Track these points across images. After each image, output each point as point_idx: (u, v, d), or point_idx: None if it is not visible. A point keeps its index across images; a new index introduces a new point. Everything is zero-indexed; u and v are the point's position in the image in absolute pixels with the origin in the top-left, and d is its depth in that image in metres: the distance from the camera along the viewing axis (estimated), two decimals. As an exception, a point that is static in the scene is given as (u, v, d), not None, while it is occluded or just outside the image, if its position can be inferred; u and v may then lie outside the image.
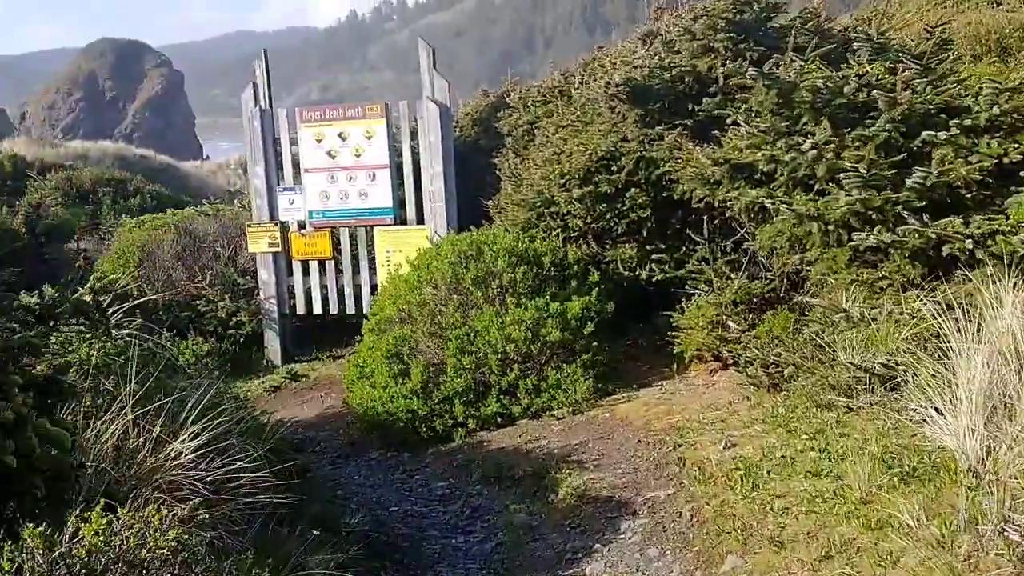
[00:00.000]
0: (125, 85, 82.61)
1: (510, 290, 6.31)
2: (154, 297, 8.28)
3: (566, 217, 6.97)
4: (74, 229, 10.73)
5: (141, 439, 2.91)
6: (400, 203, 8.71)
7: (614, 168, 6.67)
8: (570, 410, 5.87)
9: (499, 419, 6.01)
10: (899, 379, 4.24)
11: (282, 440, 4.86)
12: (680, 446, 4.66)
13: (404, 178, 8.63)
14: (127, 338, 3.88)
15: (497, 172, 8.25)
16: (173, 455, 2.90)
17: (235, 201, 10.94)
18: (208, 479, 2.92)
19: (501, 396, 6.05)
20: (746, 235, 6.26)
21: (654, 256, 6.81)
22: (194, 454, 3.02)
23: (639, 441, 4.98)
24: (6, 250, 9.51)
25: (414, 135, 8.61)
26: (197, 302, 9.16)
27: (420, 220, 8.58)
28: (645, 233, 6.83)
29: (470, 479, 5.23)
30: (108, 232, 11.09)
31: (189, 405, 3.28)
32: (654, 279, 6.73)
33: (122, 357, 3.20)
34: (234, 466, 3.04)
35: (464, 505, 4.90)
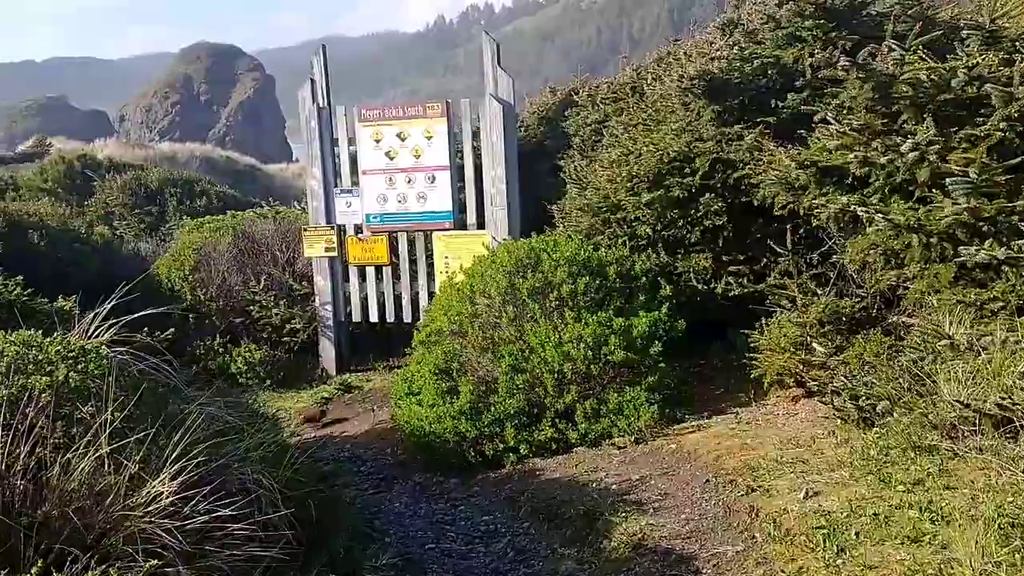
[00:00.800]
0: (219, 89, 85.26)
1: (570, 303, 5.84)
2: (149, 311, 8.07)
3: (634, 223, 6.47)
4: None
5: (114, 477, 2.56)
6: (460, 207, 8.33)
7: (687, 170, 6.15)
8: (632, 439, 5.37)
9: (554, 445, 5.55)
10: (1017, 423, 3.63)
11: (307, 466, 4.49)
12: (754, 490, 4.11)
13: (465, 181, 8.24)
14: (122, 356, 3.54)
15: (563, 175, 7.79)
16: (149, 498, 2.54)
17: (294, 204, 10.73)
18: (188, 527, 2.54)
19: (556, 420, 5.59)
20: (834, 247, 5.66)
21: (731, 268, 6.26)
22: (179, 494, 2.64)
23: (707, 481, 4.45)
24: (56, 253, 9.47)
25: (476, 135, 8.22)
26: (251, 308, 8.94)
27: (481, 225, 8.18)
28: (721, 242, 6.29)
29: (518, 514, 4.78)
30: (169, 233, 11.03)
31: (178, 435, 2.89)
32: (730, 293, 6.17)
33: (109, 378, 2.87)
34: (219, 512, 2.65)
35: (509, 545, 4.45)
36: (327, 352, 8.87)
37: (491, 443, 5.61)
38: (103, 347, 3.26)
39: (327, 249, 8.67)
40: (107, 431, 2.65)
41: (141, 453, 2.69)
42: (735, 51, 6.17)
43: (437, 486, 5.61)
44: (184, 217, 11.72)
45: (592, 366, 5.55)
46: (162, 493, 2.57)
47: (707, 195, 6.10)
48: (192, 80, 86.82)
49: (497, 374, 5.72)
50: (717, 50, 6.30)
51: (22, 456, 2.42)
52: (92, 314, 3.97)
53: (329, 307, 8.78)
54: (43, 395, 2.66)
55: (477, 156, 8.30)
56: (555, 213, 7.60)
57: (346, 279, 8.78)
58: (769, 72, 6.15)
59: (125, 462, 2.61)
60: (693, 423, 5.47)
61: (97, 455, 2.57)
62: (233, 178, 28.43)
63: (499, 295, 5.98)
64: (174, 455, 2.75)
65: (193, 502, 2.65)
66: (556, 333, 5.69)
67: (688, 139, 6.21)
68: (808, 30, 6.02)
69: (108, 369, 3.01)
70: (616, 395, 5.57)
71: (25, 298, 6.01)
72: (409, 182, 8.33)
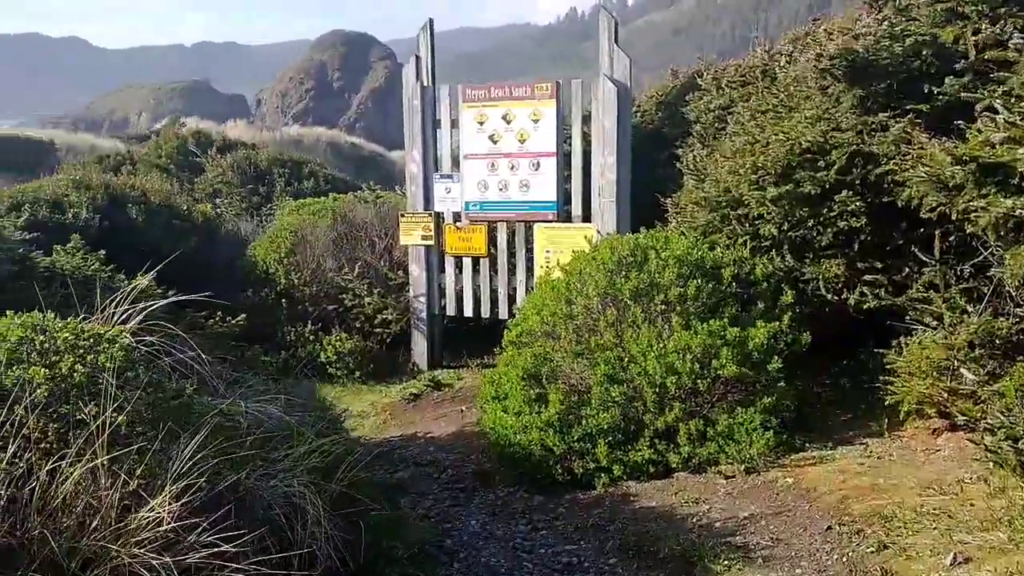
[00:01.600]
0: (352, 76, 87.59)
1: (677, 308, 5.27)
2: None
3: (757, 222, 5.83)
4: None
5: (108, 493, 2.20)
6: (565, 197, 7.83)
7: (821, 163, 5.46)
8: (742, 467, 4.77)
9: (651, 468, 5.00)
10: None
11: (368, 478, 4.10)
12: (887, 547, 3.48)
13: (572, 169, 7.74)
14: (154, 345, 3.19)
15: (680, 165, 7.19)
16: (145, 522, 2.17)
17: (396, 188, 10.46)
18: (187, 561, 2.15)
19: (656, 440, 5.04)
20: (991, 258, 4.88)
21: (867, 277, 5.54)
22: (183, 520, 2.26)
23: (829, 528, 3.83)
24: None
25: (587, 120, 7.69)
26: (344, 295, 8.69)
27: (587, 218, 7.67)
28: (857, 247, 5.57)
29: (604, 547, 4.26)
30: (271, 214, 10.95)
31: (190, 445, 2.48)
32: (864, 306, 5.46)
33: (123, 372, 2.52)
34: (223, 548, 2.25)
35: (590, 584, 3.95)
36: (419, 346, 8.54)
37: (580, 460, 5.11)
38: (125, 335, 2.93)
39: (423, 237, 8.32)
40: (105, 435, 2.29)
41: (144, 465, 2.32)
42: (883, 28, 5.44)
43: (520, 503, 5.15)
44: (288, 198, 11.65)
45: (699, 381, 4.97)
46: (161, 518, 2.19)
47: (843, 192, 5.40)
48: (326, 67, 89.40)
49: (591, 383, 5.21)
50: (863, 27, 5.58)
51: (3, 462, 2.09)
52: (127, 290, 3.62)
53: (423, 299, 8.43)
54: (40, 390, 2.33)
55: (587, 142, 7.78)
56: (669, 207, 7.01)
57: (442, 270, 8.43)
58: (923, 53, 5.39)
59: (124, 476, 2.24)
60: (814, 454, 4.83)
61: (91, 465, 2.22)
62: (357, 163, 28.87)
63: (598, 295, 5.47)
64: (183, 470, 2.37)
65: (198, 530, 2.26)
66: (660, 341, 5.14)
67: (824, 128, 5.52)
68: (972, 4, 5.23)
69: (125, 362, 2.67)
70: (726, 416, 4.98)
71: (104, 275, 5.85)
72: (512, 168, 7.89)
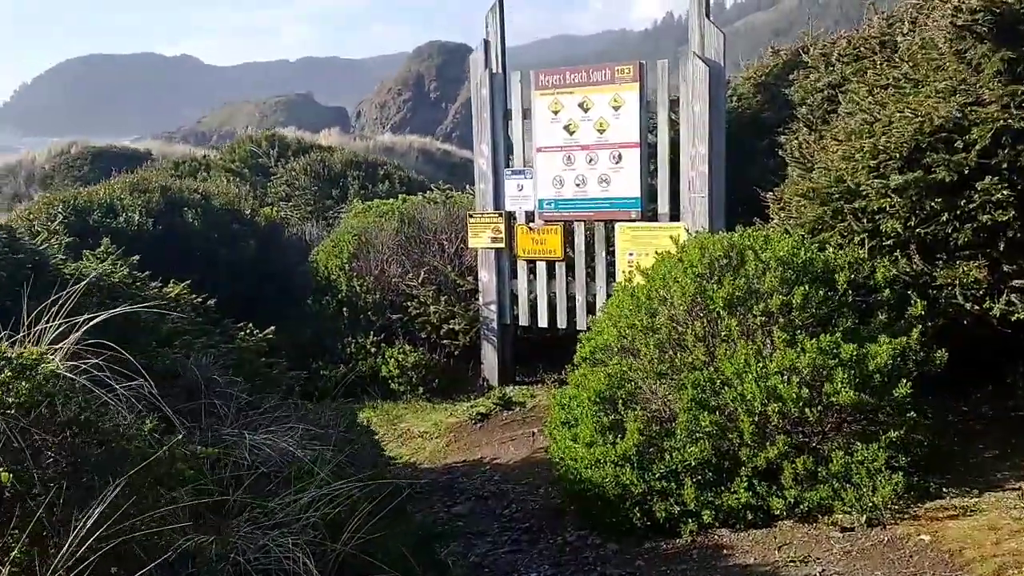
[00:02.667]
0: (448, 86, 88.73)
1: (781, 320, 4.45)
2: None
3: (877, 216, 4.95)
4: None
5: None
6: (650, 193, 7.06)
7: (959, 144, 4.57)
8: (863, 518, 3.93)
9: (749, 515, 4.20)
10: None
11: (403, 523, 3.43)
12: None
13: (657, 161, 6.96)
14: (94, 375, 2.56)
15: (782, 153, 6.33)
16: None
17: (466, 187, 9.84)
18: None
19: (754, 480, 4.24)
20: None
21: (1015, 282, 4.62)
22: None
23: (984, 612, 2.99)
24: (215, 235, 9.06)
25: (675, 105, 6.91)
26: (408, 303, 8.11)
27: (674, 216, 6.88)
28: (1003, 245, 4.66)
29: (689, 617, 3.51)
30: (337, 217, 10.49)
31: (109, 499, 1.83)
32: (1013, 317, 4.55)
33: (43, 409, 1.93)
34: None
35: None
36: (489, 359, 7.88)
37: (663, 502, 4.34)
38: (51, 360, 2.33)
39: (493, 239, 7.67)
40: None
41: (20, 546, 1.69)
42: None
43: (590, 551, 4.42)
44: (358, 201, 11.19)
45: (808, 409, 4.15)
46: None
47: (986, 179, 4.50)
48: (423, 78, 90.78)
49: (676, 410, 4.44)
50: (1010, -23, 4.66)
51: None
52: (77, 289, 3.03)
53: (493, 307, 7.77)
54: None
55: (674, 131, 6.99)
56: (769, 202, 6.16)
57: (514, 275, 7.75)
58: (1089, 6, 4.46)
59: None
60: (954, 502, 3.96)
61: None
62: (448, 170, 28.71)
63: (684, 304, 4.69)
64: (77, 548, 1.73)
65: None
66: (760, 360, 4.33)
67: (961, 101, 4.62)
68: None
69: (35, 395, 2.07)
70: (842, 452, 4.14)
71: (132, 282, 5.38)
72: (590, 162, 7.16)
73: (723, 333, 4.55)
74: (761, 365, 4.31)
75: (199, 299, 6.11)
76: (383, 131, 72.40)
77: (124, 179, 9.13)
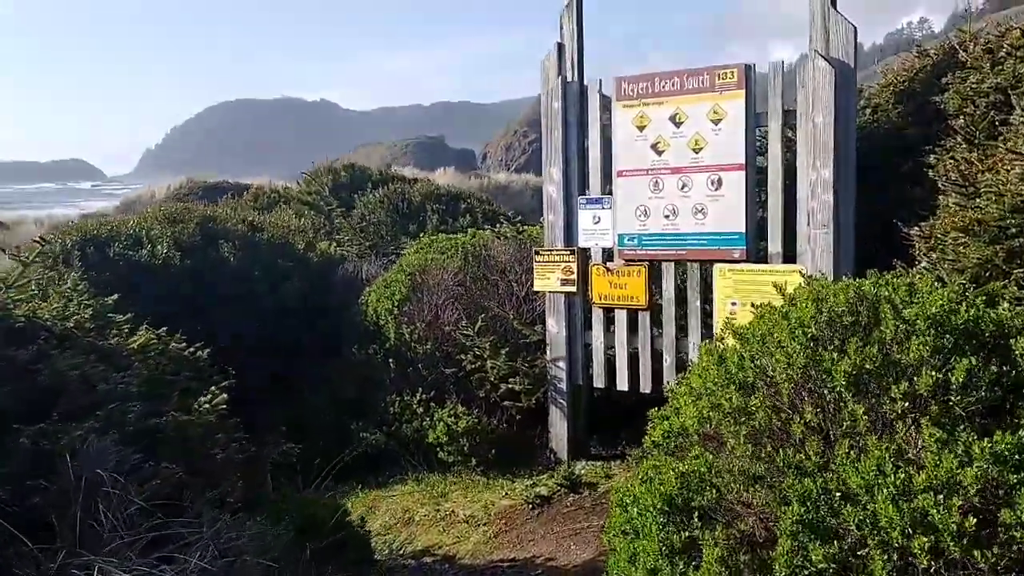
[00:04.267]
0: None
1: (933, 407, 3.13)
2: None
3: (1074, 260, 3.59)
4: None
5: None
6: (758, 228, 5.81)
7: None
8: None
9: None
10: None
11: None
12: None
13: (768, 187, 5.70)
14: None
15: (934, 175, 4.98)
16: None
17: (541, 220, 8.72)
18: None
19: (891, 651, 2.91)
20: None
21: None
22: None
23: None
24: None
25: (790, 118, 5.65)
26: (463, 356, 7.00)
27: (789, 256, 5.59)
28: None
29: None
30: (399, 253, 9.53)
31: None
32: None
33: None
34: None
35: None
36: (557, 427, 6.69)
37: (753, 671, 3.06)
38: None
39: (563, 281, 6.51)
40: None
41: None
42: None
43: None
44: (427, 235, 10.25)
45: (976, 549, 2.81)
46: None
47: None
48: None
49: (776, 532, 3.17)
50: None
51: None
52: None
53: (563, 364, 6.59)
54: None
55: (789, 150, 5.74)
56: (915, 240, 4.82)
57: (588, 326, 6.56)
58: None
59: None
60: None
61: None
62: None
63: (791, 380, 3.42)
64: None
65: None
66: (901, 467, 3.02)
67: None
68: None
69: None
70: (1031, 620, 2.78)
71: (92, 327, 4.46)
72: (683, 188, 5.95)
73: (846, 424, 3.26)
74: (903, 475, 3.00)
75: (191, 350, 5.18)
76: (508, 171, 72.94)
77: (158, 208, 8.42)
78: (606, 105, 6.34)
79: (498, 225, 8.65)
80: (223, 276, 7.70)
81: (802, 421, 3.33)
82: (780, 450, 3.37)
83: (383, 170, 15.85)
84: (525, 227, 8.48)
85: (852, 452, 3.19)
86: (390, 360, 7.24)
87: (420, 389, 6.97)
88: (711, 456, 3.54)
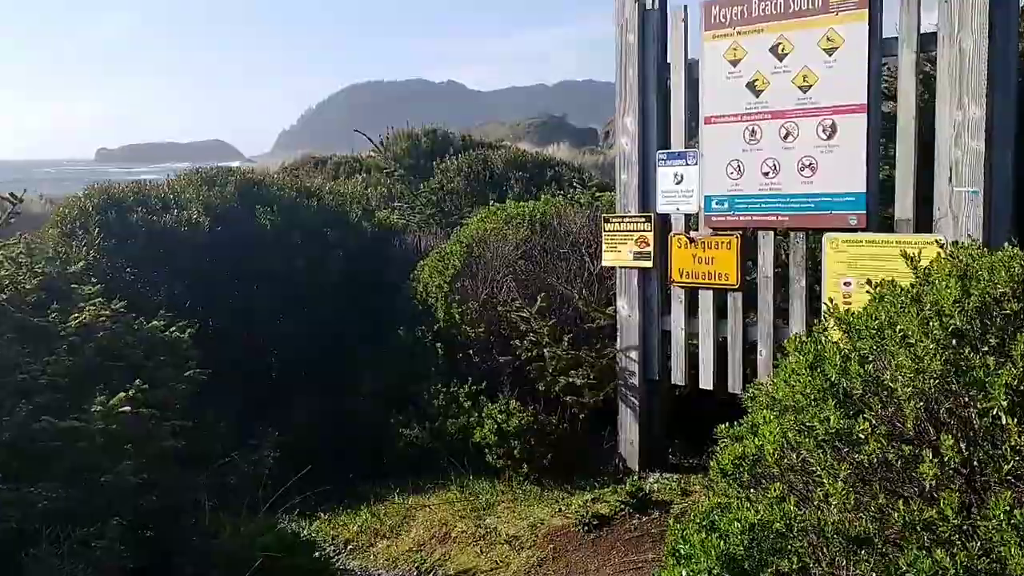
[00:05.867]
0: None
1: None
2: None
3: None
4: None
5: None
6: (881, 188, 4.64)
7: None
8: None
9: None
10: None
11: None
12: None
13: (897, 135, 4.52)
14: None
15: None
16: None
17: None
18: None
19: None
20: None
21: None
22: None
23: None
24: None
25: (927, 44, 4.45)
26: (517, 342, 6.04)
27: (923, 224, 4.42)
28: None
29: None
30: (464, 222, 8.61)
31: None
32: None
33: None
34: None
35: None
36: (627, 430, 5.66)
37: None
38: None
39: (637, 255, 5.47)
40: None
41: None
42: None
43: None
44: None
45: None
46: None
47: None
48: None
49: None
50: None
51: None
52: None
53: (635, 354, 5.56)
54: None
55: (926, 88, 4.54)
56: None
57: (667, 309, 5.50)
58: None
59: None
60: None
61: None
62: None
63: (919, 393, 2.34)
64: None
65: None
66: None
67: None
68: None
69: None
70: None
71: (37, 297, 3.69)
72: (787, 137, 4.82)
73: (1007, 465, 2.17)
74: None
75: (172, 330, 4.39)
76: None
77: (195, 171, 7.72)
78: (692, 37, 5.24)
79: (571, 190, 7.63)
80: (258, 246, 6.93)
81: (936, 458, 2.26)
82: (900, 501, 2.31)
83: (466, 136, 14.98)
84: (605, 192, 7.43)
85: (1017, 512, 2.11)
86: (438, 345, 6.35)
87: (470, 379, 6.05)
88: (794, 504, 2.49)
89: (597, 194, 7.29)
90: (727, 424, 3.15)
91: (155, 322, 4.48)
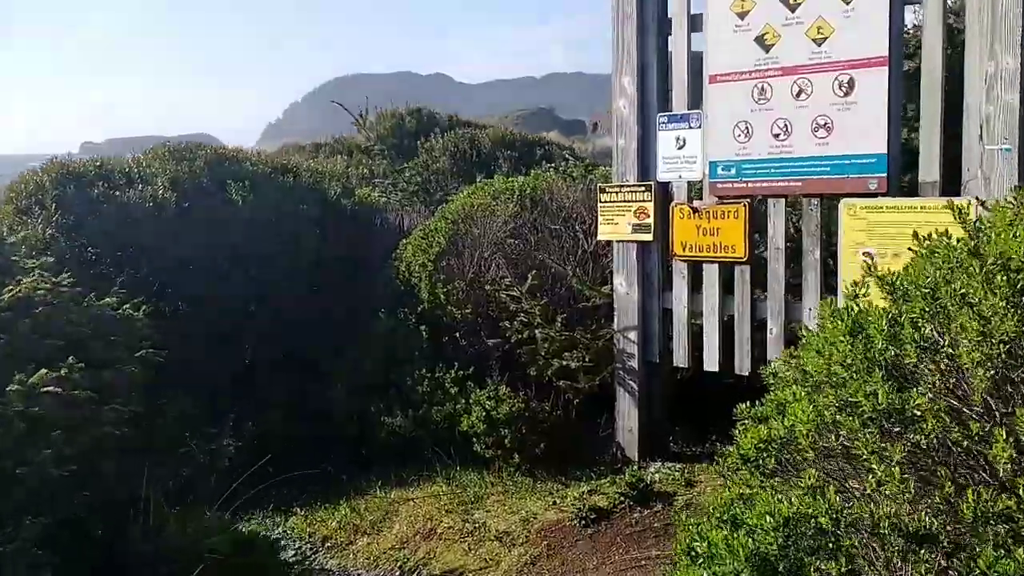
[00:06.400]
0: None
1: None
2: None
3: None
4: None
5: None
6: (903, 150, 4.28)
7: None
8: None
9: None
10: None
11: None
12: None
13: (921, 90, 4.16)
14: None
15: None
16: None
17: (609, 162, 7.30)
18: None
19: None
20: None
21: None
22: None
23: None
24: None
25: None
26: (508, 323, 5.67)
27: (951, 188, 4.06)
28: None
29: None
30: (447, 199, 8.21)
31: None
32: None
33: None
34: None
35: None
36: (625, 417, 5.30)
37: None
38: None
39: (636, 227, 5.10)
40: None
41: None
42: None
43: None
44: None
45: None
46: None
47: None
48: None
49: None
50: None
51: None
52: None
53: (634, 335, 5.19)
54: None
55: (949, 40, 4.19)
56: None
57: (668, 286, 5.14)
58: None
59: None
60: None
61: None
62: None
63: (987, 361, 1.98)
64: None
65: None
66: None
67: None
68: None
69: None
70: None
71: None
72: (799, 96, 4.46)
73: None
74: None
75: (125, 307, 3.99)
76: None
77: (166, 144, 7.30)
78: (696, -11, 4.89)
79: (564, 164, 7.25)
80: (230, 224, 6.53)
81: (1011, 437, 1.90)
82: (967, 489, 1.95)
83: (452, 116, 14.57)
84: (599, 167, 7.05)
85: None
86: (422, 327, 5.97)
87: (456, 364, 5.68)
88: (835, 492, 2.13)
89: (591, 167, 6.92)
90: (748, 403, 2.79)
91: (107, 299, 4.10)
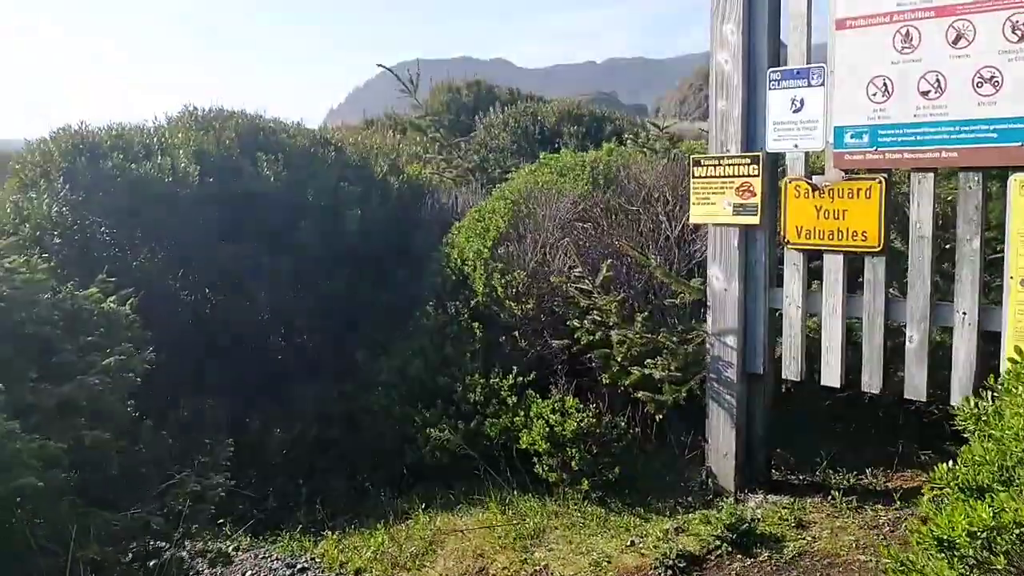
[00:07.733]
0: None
1: None
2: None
3: None
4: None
5: None
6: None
7: None
8: None
9: None
10: None
11: None
12: None
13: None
14: None
15: None
16: None
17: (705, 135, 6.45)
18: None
19: None
20: None
21: None
22: None
23: None
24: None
25: None
26: (576, 322, 4.86)
27: None
28: None
29: None
30: (506, 178, 7.42)
31: None
32: None
33: None
34: None
35: None
36: (719, 438, 4.46)
37: None
38: None
39: (738, 208, 4.25)
40: None
41: None
42: None
43: None
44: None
45: None
46: None
47: None
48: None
49: None
50: None
51: None
52: None
53: (732, 340, 4.34)
54: None
55: None
56: None
57: (777, 281, 4.29)
58: None
59: None
60: None
61: None
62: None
63: None
64: None
65: None
66: None
67: None
68: None
69: None
70: None
71: None
72: (956, 42, 3.57)
73: None
74: None
75: (110, 300, 3.28)
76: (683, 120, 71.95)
77: (192, 112, 6.61)
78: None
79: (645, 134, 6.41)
80: (258, 204, 5.82)
81: None
82: None
83: (513, 90, 13.76)
84: (684, 141, 6.21)
85: None
86: (475, 324, 5.20)
87: (515, 368, 4.89)
88: None
89: (676, 140, 6.07)
90: (944, 400, 1.95)
91: (91, 289, 3.39)
